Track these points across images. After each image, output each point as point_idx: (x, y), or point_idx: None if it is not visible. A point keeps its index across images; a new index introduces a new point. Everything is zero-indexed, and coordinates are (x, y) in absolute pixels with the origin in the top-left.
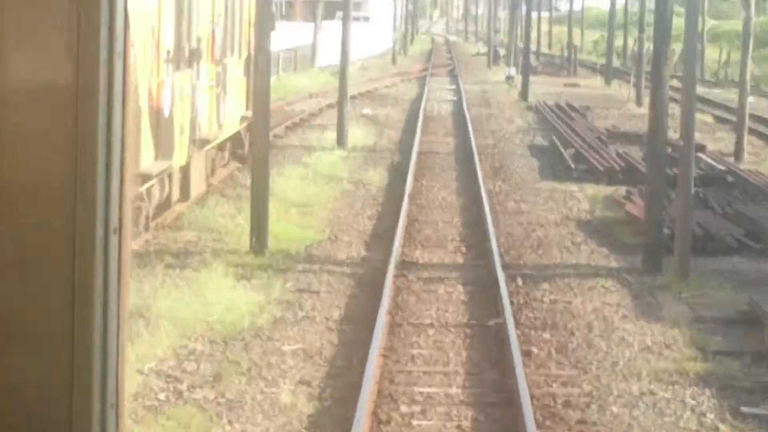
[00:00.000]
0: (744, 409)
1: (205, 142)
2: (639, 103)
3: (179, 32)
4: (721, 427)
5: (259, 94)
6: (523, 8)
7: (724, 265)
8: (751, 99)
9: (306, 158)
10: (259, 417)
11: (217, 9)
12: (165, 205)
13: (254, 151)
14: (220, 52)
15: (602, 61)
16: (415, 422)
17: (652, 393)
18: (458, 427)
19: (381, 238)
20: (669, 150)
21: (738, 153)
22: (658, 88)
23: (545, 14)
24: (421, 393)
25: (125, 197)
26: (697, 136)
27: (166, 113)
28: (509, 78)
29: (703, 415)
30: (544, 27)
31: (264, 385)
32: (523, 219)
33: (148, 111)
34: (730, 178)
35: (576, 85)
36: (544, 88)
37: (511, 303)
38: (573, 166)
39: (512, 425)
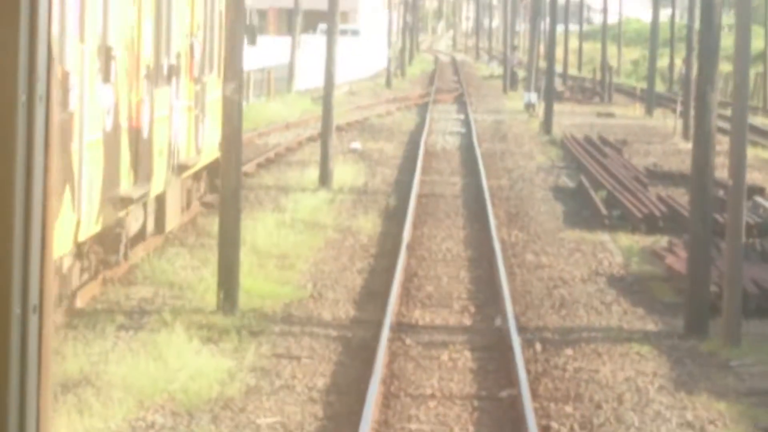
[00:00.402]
0: None
1: (183, 167)
2: (687, 136)
3: (158, 45)
4: None
5: (228, 120)
6: (547, 20)
7: None
8: None
9: (283, 201)
10: None
11: (196, 20)
12: (139, 236)
13: (224, 189)
14: (199, 68)
15: (643, 85)
16: None
17: None
18: None
19: (374, 295)
20: (719, 192)
21: None
22: (703, 117)
23: (575, 28)
24: None
25: (47, 270)
26: (756, 177)
27: (145, 134)
28: (529, 106)
29: None
30: (573, 43)
31: None
32: (543, 274)
33: (128, 129)
34: None
35: (611, 115)
36: (572, 119)
37: (528, 371)
38: (605, 211)
39: None
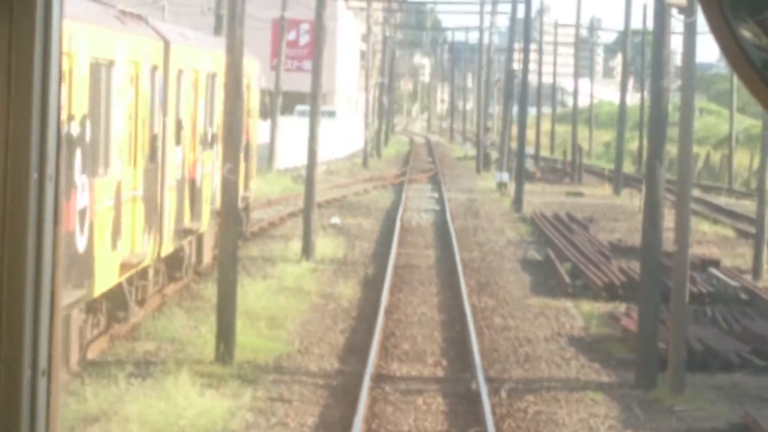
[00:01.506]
0: None
1: (217, 213)
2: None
3: (206, 120)
4: None
5: (227, 194)
6: (521, 103)
7: (724, 381)
8: None
9: (269, 270)
10: None
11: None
12: (187, 265)
13: (222, 254)
14: (215, 137)
15: (612, 166)
16: None
17: None
18: None
19: (355, 351)
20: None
21: (756, 269)
22: (652, 189)
23: (549, 110)
24: None
25: (55, 334)
26: (714, 251)
27: (198, 184)
28: (501, 185)
29: None
30: (546, 126)
31: None
32: (510, 335)
33: (189, 180)
34: (743, 296)
35: (580, 194)
36: (543, 198)
37: (493, 413)
38: (568, 281)
39: None
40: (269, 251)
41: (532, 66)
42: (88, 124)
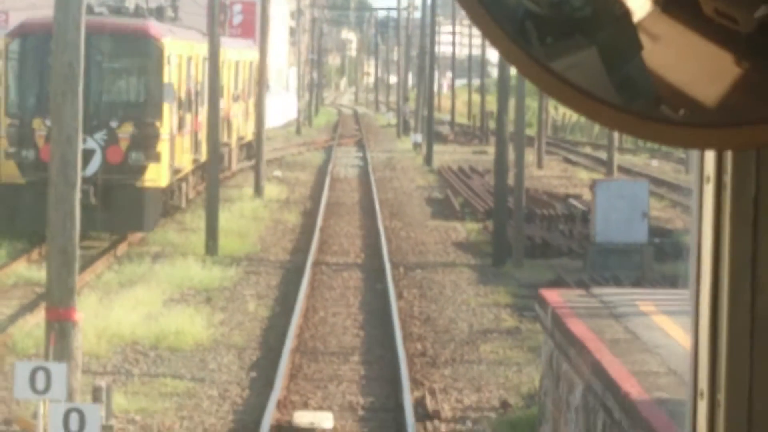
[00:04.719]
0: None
1: (241, 138)
2: (540, 166)
3: (234, 85)
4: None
5: (211, 141)
6: (435, 75)
7: (554, 262)
8: (654, 162)
9: (230, 206)
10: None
11: (243, 76)
12: (225, 166)
13: (209, 179)
14: (244, 96)
15: (529, 131)
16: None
17: (475, 314)
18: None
19: (300, 251)
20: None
21: None
22: (501, 130)
23: (477, 82)
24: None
25: None
26: (584, 191)
27: (232, 120)
28: (416, 145)
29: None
30: (474, 97)
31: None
32: (410, 241)
33: (227, 117)
34: (589, 216)
35: (484, 153)
36: (453, 156)
37: (393, 277)
38: (458, 209)
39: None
40: (228, 195)
41: (468, 40)
42: (183, 88)
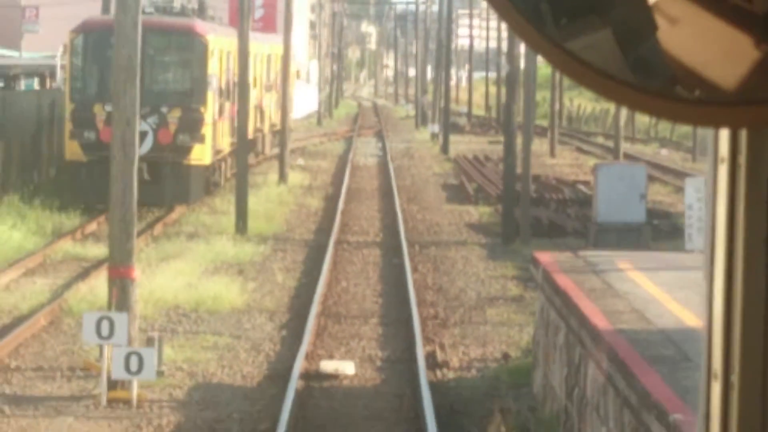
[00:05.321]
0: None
1: (273, 126)
2: (553, 155)
3: (267, 76)
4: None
5: (241, 129)
6: (454, 68)
7: (559, 241)
8: (663, 152)
9: (257, 191)
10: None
11: (274, 68)
12: (259, 149)
13: (238, 165)
14: (276, 86)
15: (543, 122)
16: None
17: (483, 284)
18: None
19: (323, 231)
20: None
21: None
22: (508, 126)
23: (494, 74)
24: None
25: None
26: (593, 178)
27: (265, 108)
28: (434, 135)
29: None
30: (491, 89)
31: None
32: (426, 223)
33: (260, 106)
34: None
35: (499, 142)
36: (469, 146)
37: (408, 253)
38: (472, 194)
39: None
40: (254, 181)
41: (483, 33)
42: (223, 79)
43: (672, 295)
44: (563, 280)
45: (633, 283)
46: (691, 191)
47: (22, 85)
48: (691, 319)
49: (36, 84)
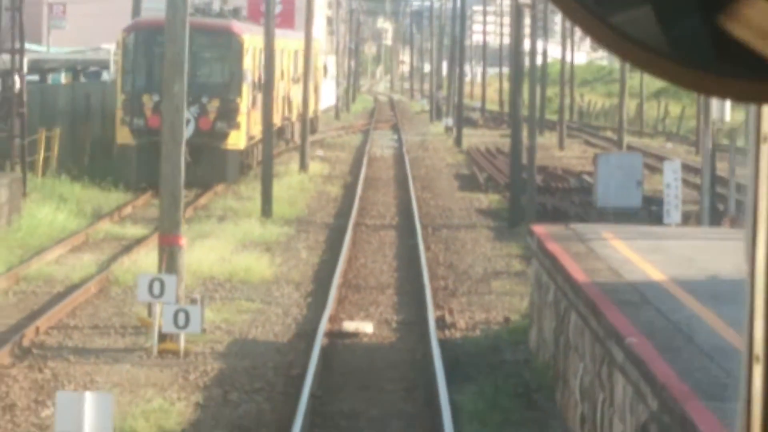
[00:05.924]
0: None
1: (299, 115)
2: (561, 147)
3: (294, 70)
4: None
5: (266, 121)
6: (472, 63)
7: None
8: (669, 145)
9: (279, 180)
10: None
11: (300, 63)
12: (288, 138)
13: (264, 153)
14: (300, 79)
15: (551, 116)
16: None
17: (489, 261)
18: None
19: (342, 215)
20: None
21: None
22: (514, 118)
23: (507, 70)
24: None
25: None
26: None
27: (293, 99)
28: (448, 128)
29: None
30: (504, 84)
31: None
32: (439, 208)
33: (288, 96)
34: None
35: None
36: (482, 139)
37: (423, 237)
38: (482, 183)
39: None
40: (276, 170)
41: (499, 29)
42: (256, 74)
43: (645, 257)
44: (553, 246)
45: (613, 249)
46: (669, 172)
47: (49, 79)
48: (657, 275)
49: (63, 78)
